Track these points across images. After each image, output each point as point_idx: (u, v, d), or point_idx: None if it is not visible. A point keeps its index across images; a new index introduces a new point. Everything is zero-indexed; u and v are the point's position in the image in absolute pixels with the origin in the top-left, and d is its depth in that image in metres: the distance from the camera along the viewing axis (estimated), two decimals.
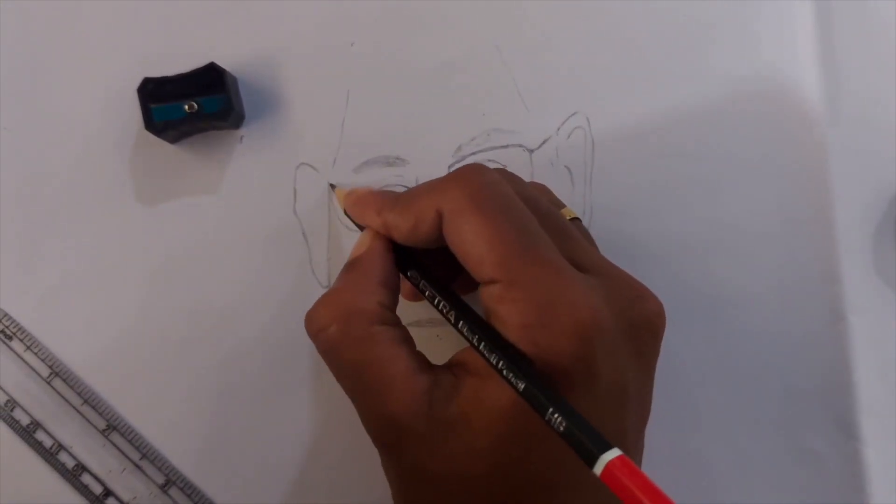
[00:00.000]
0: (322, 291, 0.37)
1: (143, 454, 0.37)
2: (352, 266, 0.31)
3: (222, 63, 0.36)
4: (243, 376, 0.37)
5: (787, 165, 0.37)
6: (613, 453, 0.23)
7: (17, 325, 0.37)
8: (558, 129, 0.37)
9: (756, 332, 0.37)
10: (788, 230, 0.37)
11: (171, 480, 0.37)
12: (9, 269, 0.37)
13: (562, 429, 0.25)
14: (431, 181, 0.30)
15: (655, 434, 0.34)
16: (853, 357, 0.36)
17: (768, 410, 0.37)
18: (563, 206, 0.34)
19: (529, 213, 0.28)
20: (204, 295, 0.37)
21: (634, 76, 0.37)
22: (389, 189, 0.37)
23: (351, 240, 0.37)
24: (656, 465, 0.36)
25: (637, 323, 0.29)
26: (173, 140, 0.37)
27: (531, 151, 0.37)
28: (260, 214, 0.37)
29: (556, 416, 0.25)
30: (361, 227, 0.33)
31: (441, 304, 0.29)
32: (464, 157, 0.37)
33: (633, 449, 0.29)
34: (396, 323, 0.30)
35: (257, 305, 0.37)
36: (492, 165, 0.37)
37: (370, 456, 0.37)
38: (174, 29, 0.37)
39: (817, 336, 0.37)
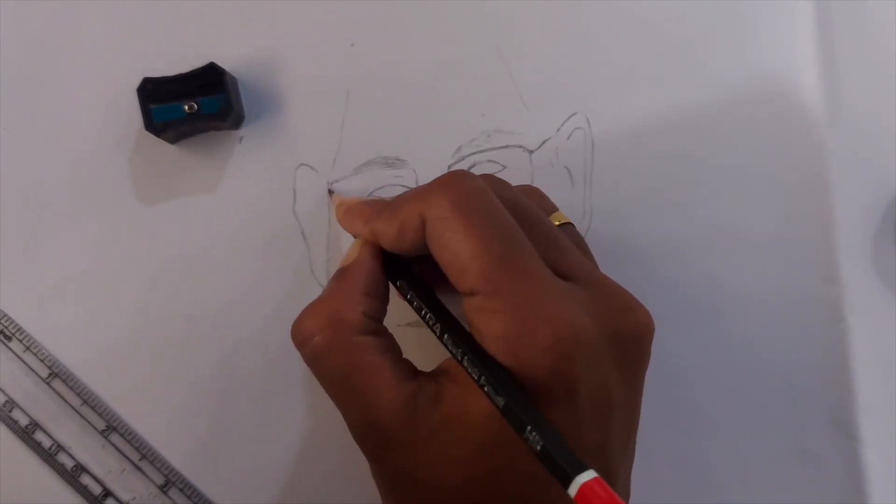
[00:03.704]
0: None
1: (142, 455, 0.37)
2: (339, 276, 0.31)
3: (222, 63, 0.36)
4: (243, 377, 0.37)
5: (787, 166, 0.37)
6: (589, 475, 0.23)
7: (16, 325, 0.37)
8: (558, 129, 0.37)
9: (756, 333, 0.37)
10: (788, 231, 0.37)
11: (171, 481, 0.37)
12: (8, 269, 0.37)
13: (538, 448, 0.24)
14: (417, 188, 0.30)
15: (655, 434, 0.34)
16: (853, 358, 0.36)
17: (768, 410, 0.37)
18: (556, 210, 0.34)
19: (513, 222, 0.28)
20: (203, 295, 0.37)
21: (634, 77, 0.37)
22: (389, 188, 0.37)
23: (350, 241, 0.37)
24: (656, 465, 0.36)
25: (623, 334, 0.28)
26: (173, 140, 0.37)
27: (531, 152, 0.37)
28: (259, 215, 0.37)
29: (533, 434, 0.24)
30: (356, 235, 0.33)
31: (427, 316, 0.29)
32: (463, 158, 0.37)
33: (619, 460, 0.29)
34: (381, 332, 0.30)
35: (256, 306, 0.37)
36: (492, 166, 0.37)
37: None
38: (174, 29, 0.37)
39: (817, 337, 0.37)
